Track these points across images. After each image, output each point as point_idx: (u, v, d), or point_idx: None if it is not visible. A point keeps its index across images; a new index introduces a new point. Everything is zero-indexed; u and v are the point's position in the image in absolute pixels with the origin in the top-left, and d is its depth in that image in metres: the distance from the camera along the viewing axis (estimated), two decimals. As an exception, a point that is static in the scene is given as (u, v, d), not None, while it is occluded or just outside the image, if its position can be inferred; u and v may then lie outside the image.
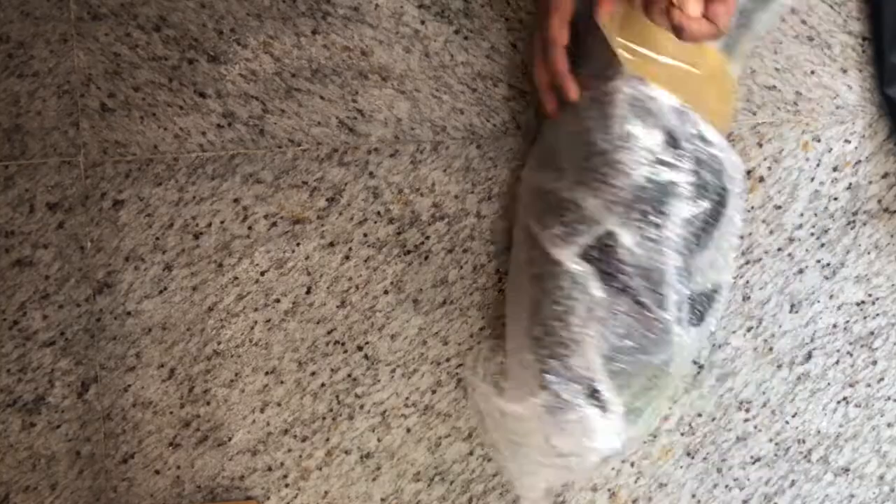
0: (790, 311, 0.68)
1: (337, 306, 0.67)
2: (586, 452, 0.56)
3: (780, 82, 0.67)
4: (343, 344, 0.67)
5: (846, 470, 0.70)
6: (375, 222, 0.66)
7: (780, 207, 0.68)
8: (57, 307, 0.65)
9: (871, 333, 0.69)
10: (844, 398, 0.69)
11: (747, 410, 0.69)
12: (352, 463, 0.67)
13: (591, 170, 0.55)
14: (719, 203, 0.57)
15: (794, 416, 0.69)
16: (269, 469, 0.67)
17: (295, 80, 0.65)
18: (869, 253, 0.68)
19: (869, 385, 0.69)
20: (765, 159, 0.67)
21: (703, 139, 0.56)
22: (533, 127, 0.66)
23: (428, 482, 0.68)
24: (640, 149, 0.54)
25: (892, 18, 0.66)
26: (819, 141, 0.68)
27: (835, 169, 0.68)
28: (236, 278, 0.66)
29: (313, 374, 0.67)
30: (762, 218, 0.68)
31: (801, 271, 0.68)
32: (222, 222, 0.66)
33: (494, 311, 0.67)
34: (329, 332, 0.67)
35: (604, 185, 0.54)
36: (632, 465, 0.68)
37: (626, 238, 0.54)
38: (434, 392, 0.67)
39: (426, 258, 0.67)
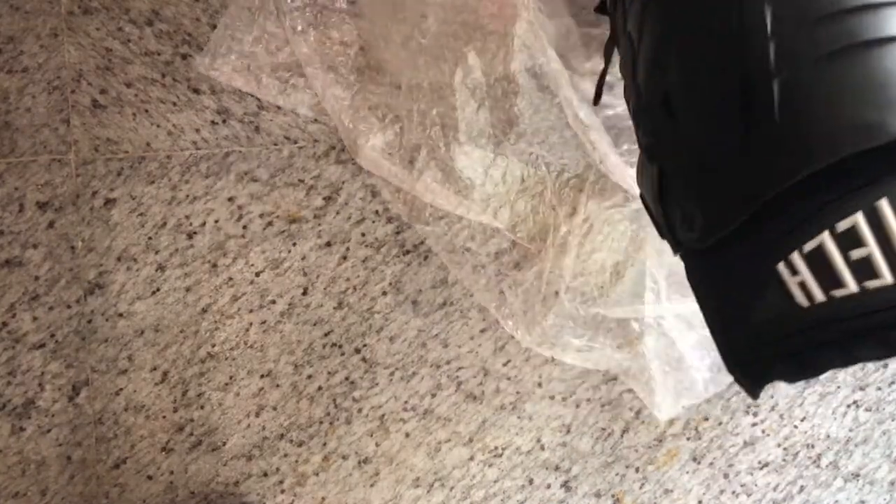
0: (799, 313, 0.67)
1: (334, 308, 0.65)
2: None
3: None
4: (340, 346, 0.66)
5: (856, 475, 0.68)
6: (374, 221, 0.65)
7: (788, 206, 0.66)
8: (47, 309, 0.64)
9: (882, 335, 0.68)
10: (854, 402, 0.68)
11: (755, 414, 0.67)
12: (349, 468, 0.66)
13: None
14: None
15: (802, 421, 0.68)
16: (265, 474, 0.66)
17: (291, 76, 0.64)
18: (879, 253, 0.67)
19: (879, 388, 0.68)
20: (773, 157, 0.66)
21: None
22: None
23: (427, 488, 0.67)
24: None
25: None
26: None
27: (844, 167, 0.67)
28: (231, 279, 0.65)
29: (310, 377, 0.66)
30: (770, 217, 0.66)
31: (809, 272, 0.67)
32: (216, 222, 0.64)
33: (495, 313, 0.66)
34: (326, 335, 0.66)
35: None
36: (636, 470, 0.67)
37: None
38: (433, 396, 0.66)
39: (425, 258, 0.66)
